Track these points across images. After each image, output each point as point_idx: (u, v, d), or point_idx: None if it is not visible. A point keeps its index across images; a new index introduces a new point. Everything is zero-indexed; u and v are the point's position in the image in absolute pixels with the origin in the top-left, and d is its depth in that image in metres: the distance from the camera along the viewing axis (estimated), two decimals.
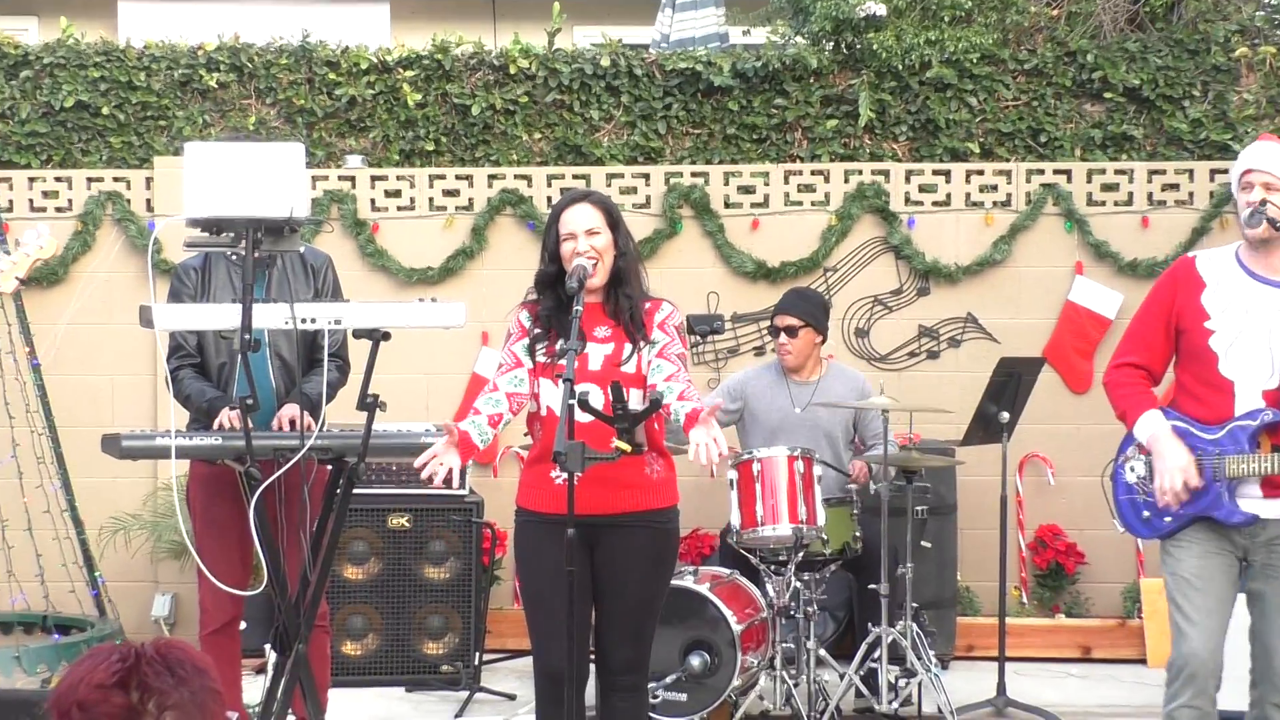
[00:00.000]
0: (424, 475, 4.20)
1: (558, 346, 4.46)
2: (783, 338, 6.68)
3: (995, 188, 7.89)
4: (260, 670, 6.59)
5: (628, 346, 4.50)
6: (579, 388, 4.24)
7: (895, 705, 6.00)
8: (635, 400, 4.40)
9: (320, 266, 5.24)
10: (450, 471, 4.20)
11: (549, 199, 7.84)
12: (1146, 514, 4.68)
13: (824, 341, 6.79)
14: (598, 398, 4.35)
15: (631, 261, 4.59)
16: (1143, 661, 7.36)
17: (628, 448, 4.12)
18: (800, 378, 6.73)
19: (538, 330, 4.55)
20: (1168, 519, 4.60)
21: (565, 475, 4.06)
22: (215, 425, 4.92)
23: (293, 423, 4.92)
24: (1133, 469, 4.72)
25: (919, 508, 6.31)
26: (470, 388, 7.79)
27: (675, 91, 8.23)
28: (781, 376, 6.76)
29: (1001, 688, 6.40)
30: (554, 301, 4.54)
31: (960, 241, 7.88)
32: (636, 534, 4.48)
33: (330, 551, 4.65)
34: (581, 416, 4.22)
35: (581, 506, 4.18)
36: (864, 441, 6.71)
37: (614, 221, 4.56)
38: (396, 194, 7.98)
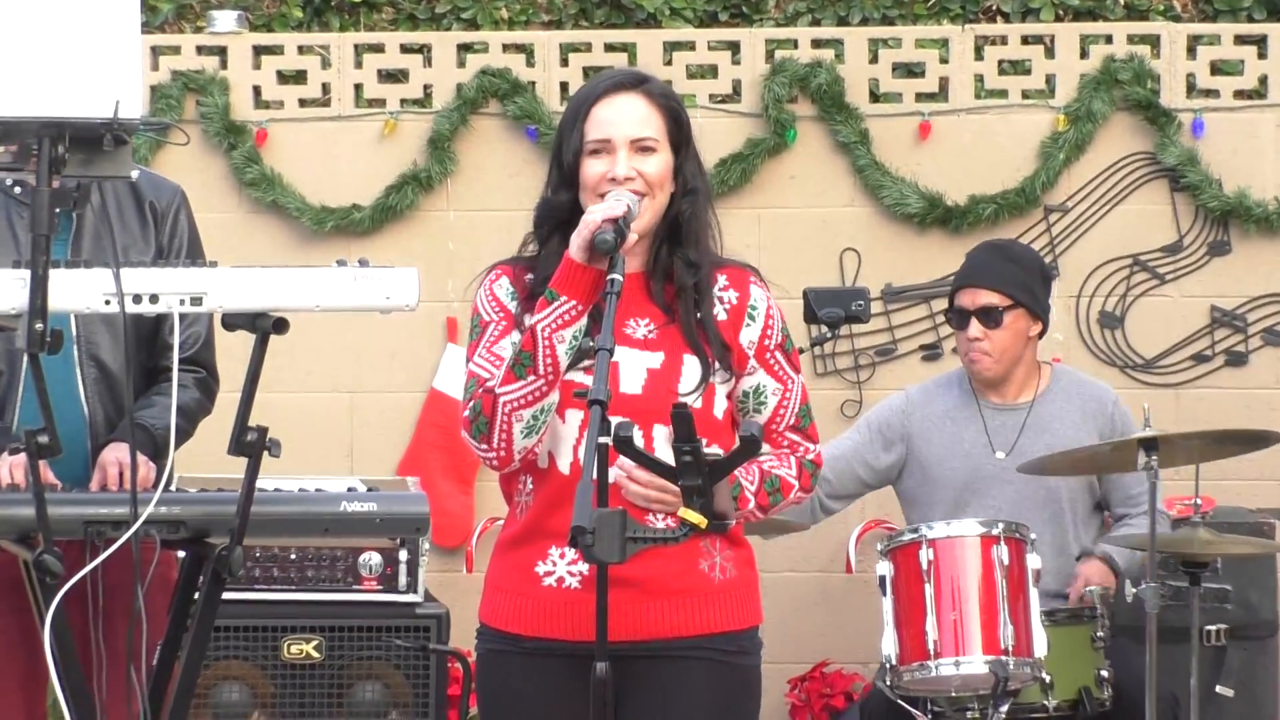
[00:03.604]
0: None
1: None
2: (973, 328, 6.66)
3: None
4: None
5: (689, 359, 4.45)
6: (610, 419, 4.15)
7: None
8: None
9: (167, 207, 5.29)
10: None
11: (564, 86, 7.87)
12: None
13: (1043, 334, 6.80)
14: (639, 436, 4.26)
15: (701, 204, 4.56)
16: None
17: (702, 521, 4.07)
18: (1003, 397, 6.73)
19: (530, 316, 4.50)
20: None
21: (564, 572, 4.20)
22: None
23: (120, 476, 4.95)
24: None
25: (1213, 627, 6.29)
26: (427, 413, 7.81)
27: None
28: (972, 397, 6.77)
29: None
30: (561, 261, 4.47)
31: None
32: (692, 672, 4.45)
33: (184, 699, 4.67)
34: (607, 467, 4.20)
35: (592, 628, 4.18)
36: (1113, 511, 6.69)
37: (681, 134, 4.51)
38: (298, 78, 8.03)
